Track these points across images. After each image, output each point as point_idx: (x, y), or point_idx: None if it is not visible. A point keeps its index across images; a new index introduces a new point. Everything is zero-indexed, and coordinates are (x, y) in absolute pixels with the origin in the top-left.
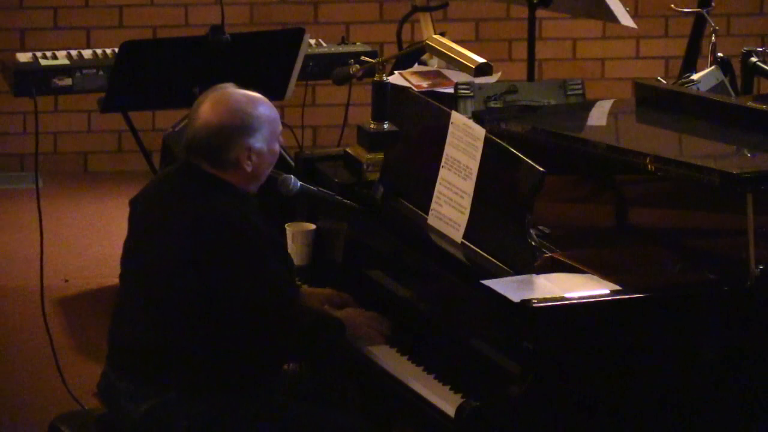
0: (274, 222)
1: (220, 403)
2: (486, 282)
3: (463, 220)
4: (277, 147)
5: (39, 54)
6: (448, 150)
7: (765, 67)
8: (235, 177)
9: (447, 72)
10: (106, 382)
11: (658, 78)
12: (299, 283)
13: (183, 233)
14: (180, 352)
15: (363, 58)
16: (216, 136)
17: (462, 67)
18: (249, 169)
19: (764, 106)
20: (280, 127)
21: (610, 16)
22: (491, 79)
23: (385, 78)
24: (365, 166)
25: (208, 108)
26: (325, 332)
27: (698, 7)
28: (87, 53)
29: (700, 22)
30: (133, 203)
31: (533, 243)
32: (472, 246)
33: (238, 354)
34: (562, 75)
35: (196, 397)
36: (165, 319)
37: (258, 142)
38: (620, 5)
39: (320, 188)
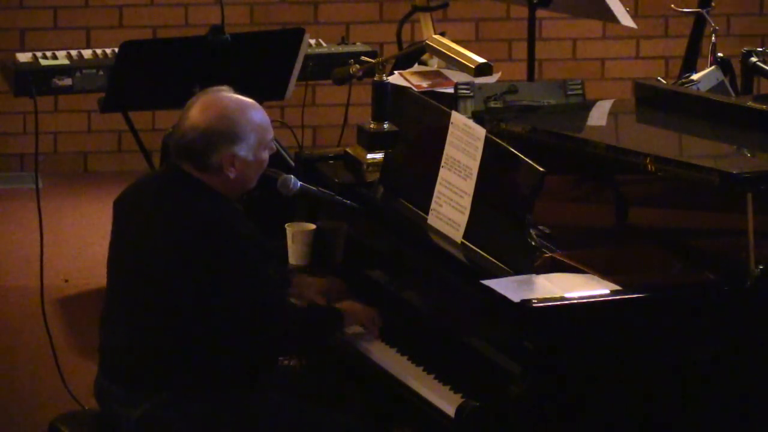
0: (270, 222)
1: (215, 404)
2: (486, 282)
3: (463, 220)
4: (265, 155)
5: (39, 54)
6: (448, 150)
7: (765, 67)
8: (218, 182)
9: (447, 72)
10: (99, 387)
11: (658, 78)
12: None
13: (168, 237)
14: (171, 354)
15: (363, 58)
16: (200, 140)
17: (462, 67)
18: (232, 176)
19: (764, 106)
20: (271, 135)
21: (610, 16)
22: (491, 79)
23: (385, 78)
24: (365, 166)
25: (197, 110)
26: (319, 327)
27: (698, 7)
28: (87, 53)
29: (700, 22)
30: (117, 204)
31: (533, 243)
32: (472, 246)
33: (229, 354)
34: (562, 75)
35: (190, 400)
36: (154, 323)
37: (242, 150)
38: (620, 5)
39: (320, 188)
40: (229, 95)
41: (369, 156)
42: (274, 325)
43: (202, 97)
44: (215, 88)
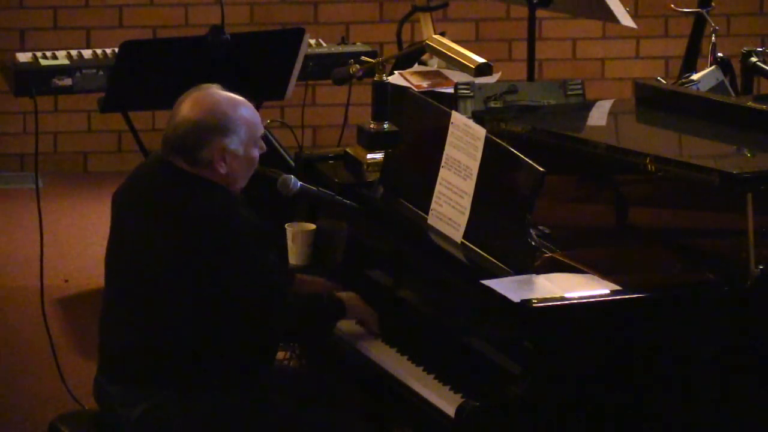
0: (269, 220)
1: (215, 404)
2: (486, 282)
3: (463, 220)
4: (255, 153)
5: (39, 54)
6: (448, 150)
7: (765, 67)
8: (210, 177)
9: (447, 72)
10: (98, 387)
11: (658, 78)
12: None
13: (166, 234)
14: (171, 351)
15: (363, 58)
16: (191, 134)
17: (462, 67)
18: (222, 170)
19: (764, 106)
20: (261, 132)
21: (610, 16)
22: (491, 79)
23: (385, 78)
24: (365, 166)
25: (188, 106)
26: (321, 314)
27: (698, 7)
28: (87, 53)
29: (700, 22)
30: (115, 201)
31: (533, 243)
32: (472, 246)
33: (228, 352)
34: (562, 75)
35: (189, 399)
36: (153, 321)
37: (233, 143)
38: (620, 5)
39: (320, 188)
40: (219, 91)
41: (369, 156)
42: (276, 310)
43: (192, 93)
44: (204, 85)
